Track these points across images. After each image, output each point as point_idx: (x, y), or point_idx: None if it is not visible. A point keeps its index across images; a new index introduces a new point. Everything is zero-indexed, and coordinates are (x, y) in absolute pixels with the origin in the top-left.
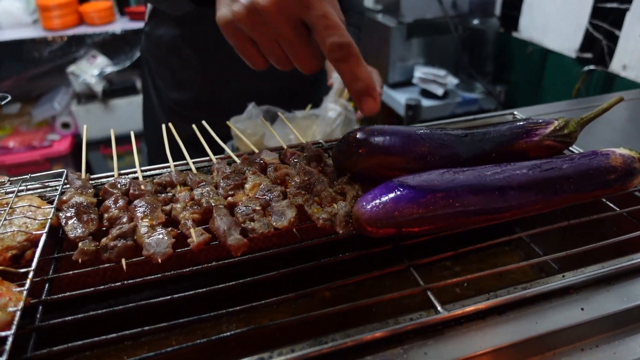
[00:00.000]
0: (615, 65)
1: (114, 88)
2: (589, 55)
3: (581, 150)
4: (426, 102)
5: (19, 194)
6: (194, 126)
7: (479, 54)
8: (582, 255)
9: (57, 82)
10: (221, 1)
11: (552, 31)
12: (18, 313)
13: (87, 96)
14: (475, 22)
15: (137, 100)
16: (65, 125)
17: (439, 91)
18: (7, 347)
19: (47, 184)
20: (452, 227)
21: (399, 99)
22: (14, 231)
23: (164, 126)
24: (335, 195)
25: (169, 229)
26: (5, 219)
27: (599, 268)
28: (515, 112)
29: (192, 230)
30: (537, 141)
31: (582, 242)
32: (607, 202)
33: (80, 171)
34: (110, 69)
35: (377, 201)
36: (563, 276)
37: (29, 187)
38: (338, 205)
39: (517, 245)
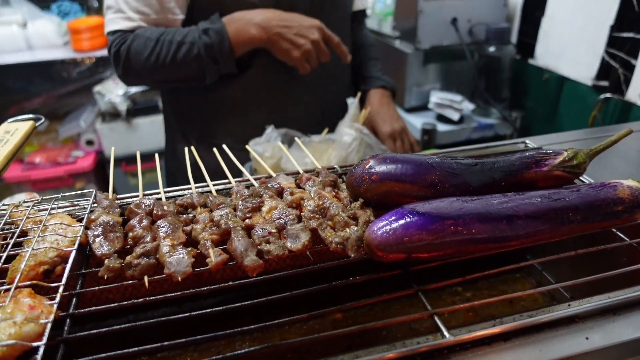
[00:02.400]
0: (632, 94)
1: (137, 107)
2: (605, 83)
3: (591, 180)
4: (442, 127)
5: (51, 211)
6: (214, 150)
7: (495, 80)
8: (594, 282)
9: (83, 100)
10: (285, 46)
11: (568, 59)
12: (49, 325)
13: (111, 115)
14: (492, 49)
15: (159, 119)
16: (90, 143)
17: (455, 116)
18: (39, 357)
19: (76, 202)
20: (461, 254)
21: (415, 123)
22: (46, 247)
23: (186, 149)
24: (348, 220)
25: (189, 248)
26: (38, 236)
27: (605, 298)
28: (527, 141)
29: (210, 250)
30: (547, 171)
31: (593, 270)
32: (617, 232)
33: (103, 188)
34: (134, 89)
35: (388, 227)
36: (569, 305)
37: (60, 205)
38: (350, 230)
39: (529, 273)
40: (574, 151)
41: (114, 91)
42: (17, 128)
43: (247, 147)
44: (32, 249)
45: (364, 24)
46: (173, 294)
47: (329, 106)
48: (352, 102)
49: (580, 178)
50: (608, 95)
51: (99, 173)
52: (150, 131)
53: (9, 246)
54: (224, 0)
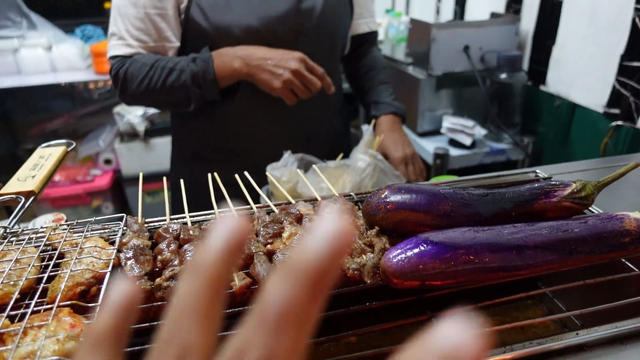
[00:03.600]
0: None
1: (155, 128)
2: (616, 111)
3: (600, 211)
4: (454, 152)
5: (86, 234)
6: (236, 176)
7: (506, 106)
8: (603, 310)
9: (103, 121)
10: (265, 77)
11: (579, 86)
12: None
13: (129, 135)
14: (503, 76)
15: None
16: (108, 162)
17: (467, 141)
18: None
19: (108, 226)
20: (472, 282)
21: (428, 147)
22: (82, 269)
23: (209, 175)
24: (364, 247)
25: None
26: (75, 258)
27: (612, 328)
28: (537, 171)
29: (235, 274)
30: (556, 202)
31: (603, 298)
32: (626, 262)
33: (119, 206)
34: (152, 110)
35: (403, 255)
36: (577, 334)
37: (93, 228)
38: (367, 257)
39: (541, 299)
40: (583, 183)
41: (132, 112)
42: (51, 153)
43: (267, 173)
44: (70, 271)
45: (374, 45)
46: None
47: (315, 131)
48: (367, 129)
49: (590, 209)
50: (619, 123)
51: (116, 191)
52: (167, 151)
53: (50, 267)
54: (210, 33)
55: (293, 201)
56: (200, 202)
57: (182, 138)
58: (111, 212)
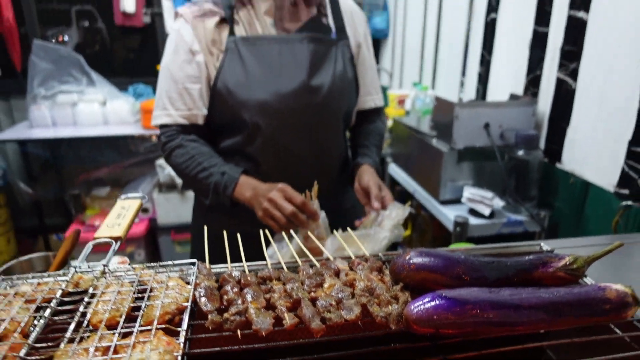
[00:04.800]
0: None
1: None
2: (626, 191)
3: (593, 282)
4: (473, 221)
5: (169, 274)
6: (267, 232)
7: (524, 180)
8: None
9: (145, 171)
10: (255, 205)
11: (592, 166)
12: (179, 357)
13: (168, 186)
14: (521, 152)
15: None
16: (145, 210)
17: (486, 211)
18: None
19: (183, 269)
20: (478, 334)
21: (449, 215)
22: (169, 302)
23: (261, 231)
24: (390, 299)
25: (270, 311)
26: (163, 293)
27: None
28: (542, 244)
29: (286, 314)
30: (551, 272)
31: (591, 352)
32: (611, 326)
33: (152, 253)
34: None
35: (422, 307)
36: None
37: (170, 270)
38: (392, 307)
39: (540, 351)
40: (575, 257)
41: None
42: (130, 205)
43: (309, 234)
44: (162, 302)
45: (379, 117)
46: (258, 345)
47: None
48: (394, 205)
49: (584, 279)
50: (629, 203)
51: (149, 239)
52: (185, 206)
53: (145, 299)
54: (232, 104)
55: (332, 258)
56: (221, 250)
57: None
58: (143, 259)
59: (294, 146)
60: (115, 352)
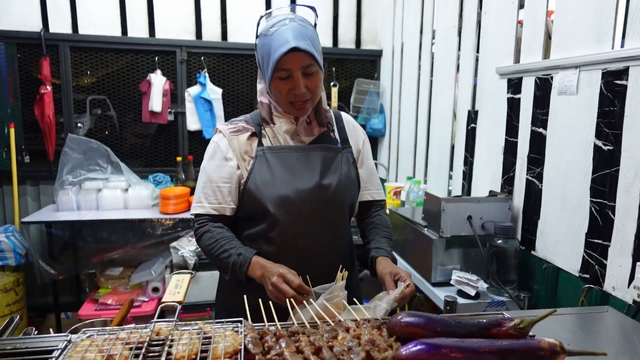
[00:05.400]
0: (607, 286)
1: (202, 262)
2: (587, 276)
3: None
4: (461, 300)
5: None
6: (293, 301)
7: (504, 265)
8: None
9: (157, 252)
10: (264, 283)
11: (560, 254)
12: None
13: (180, 267)
14: (499, 241)
15: (217, 274)
16: (155, 290)
17: (472, 292)
18: None
19: (233, 325)
20: None
21: (440, 295)
22: (229, 345)
23: (287, 301)
24: (387, 347)
25: (299, 354)
26: (224, 339)
27: None
28: (505, 314)
29: (311, 356)
30: (504, 330)
31: None
32: None
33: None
34: None
35: (409, 350)
36: None
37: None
38: (388, 352)
39: None
40: (521, 319)
41: (186, 247)
42: (183, 278)
43: (324, 302)
44: (224, 345)
45: (380, 209)
46: None
47: (328, 272)
48: (401, 285)
49: (531, 334)
50: (590, 285)
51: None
52: (209, 284)
53: (211, 343)
54: (258, 198)
55: (342, 319)
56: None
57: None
58: None
59: (308, 232)
60: None
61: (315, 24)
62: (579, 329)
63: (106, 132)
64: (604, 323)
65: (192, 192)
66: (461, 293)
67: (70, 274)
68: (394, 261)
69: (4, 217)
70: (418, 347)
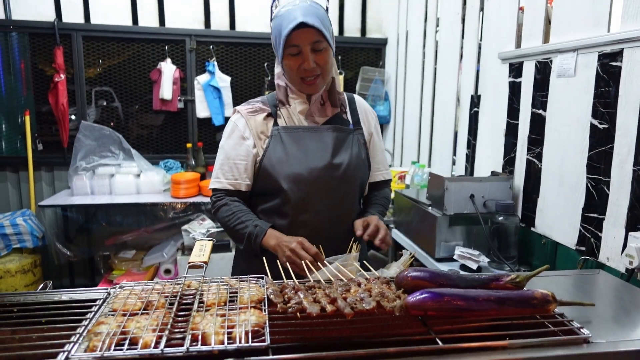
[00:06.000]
0: (602, 257)
1: (213, 244)
2: (583, 248)
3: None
4: (464, 274)
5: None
6: (309, 263)
7: (505, 242)
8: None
9: (169, 236)
10: (279, 252)
11: (558, 229)
12: (266, 320)
13: (190, 249)
14: (500, 218)
15: (229, 255)
16: (167, 271)
17: (474, 266)
18: (266, 336)
19: (254, 280)
20: (452, 315)
21: (443, 269)
22: (254, 294)
23: (303, 263)
24: (395, 297)
25: (316, 303)
26: (248, 290)
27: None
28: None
29: (327, 305)
30: (502, 284)
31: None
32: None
33: None
34: (213, 230)
35: (415, 298)
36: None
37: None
38: (397, 302)
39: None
40: (518, 274)
41: (197, 230)
42: (206, 244)
43: (338, 264)
44: (250, 294)
45: (386, 186)
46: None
47: (338, 241)
48: (406, 253)
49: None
50: (586, 257)
51: None
52: (220, 265)
53: (238, 293)
54: (273, 175)
55: (353, 277)
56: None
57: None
58: None
59: (320, 208)
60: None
61: (327, 9)
62: (572, 288)
63: (111, 124)
64: (597, 283)
65: (202, 177)
66: (464, 267)
67: (85, 256)
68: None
69: (20, 201)
70: (424, 295)
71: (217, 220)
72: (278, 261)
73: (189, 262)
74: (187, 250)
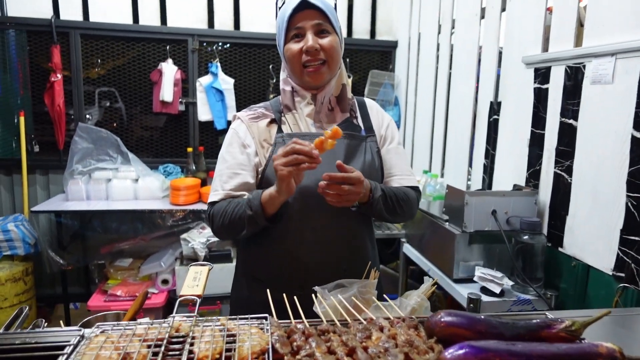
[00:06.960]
0: None
1: (213, 254)
2: (622, 274)
3: (590, 341)
4: (485, 298)
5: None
6: (315, 295)
7: (530, 262)
8: None
9: (167, 244)
10: (277, 174)
11: (591, 251)
12: None
13: (189, 259)
14: (525, 237)
15: (230, 267)
16: (165, 282)
17: (497, 289)
18: None
19: (257, 322)
20: None
21: (462, 292)
22: (255, 344)
23: (313, 294)
24: (427, 349)
25: (331, 355)
26: (250, 337)
27: None
28: (547, 314)
29: (345, 358)
30: (555, 332)
31: None
32: None
33: None
34: (213, 239)
35: (454, 354)
36: None
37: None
38: (430, 355)
39: None
40: (573, 321)
41: (197, 239)
42: (201, 271)
43: (340, 297)
44: (250, 344)
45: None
46: None
47: (350, 261)
48: (428, 280)
49: (582, 339)
50: (626, 284)
51: (167, 310)
52: (220, 277)
53: (237, 342)
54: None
55: (374, 318)
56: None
57: (246, 264)
58: None
59: (328, 223)
60: None
61: (335, 5)
62: (623, 330)
63: (114, 125)
64: None
65: (203, 184)
66: (485, 290)
67: (79, 264)
68: (373, 194)
69: (13, 206)
70: (465, 350)
71: (214, 228)
72: (285, 294)
73: (180, 296)
74: (185, 260)
